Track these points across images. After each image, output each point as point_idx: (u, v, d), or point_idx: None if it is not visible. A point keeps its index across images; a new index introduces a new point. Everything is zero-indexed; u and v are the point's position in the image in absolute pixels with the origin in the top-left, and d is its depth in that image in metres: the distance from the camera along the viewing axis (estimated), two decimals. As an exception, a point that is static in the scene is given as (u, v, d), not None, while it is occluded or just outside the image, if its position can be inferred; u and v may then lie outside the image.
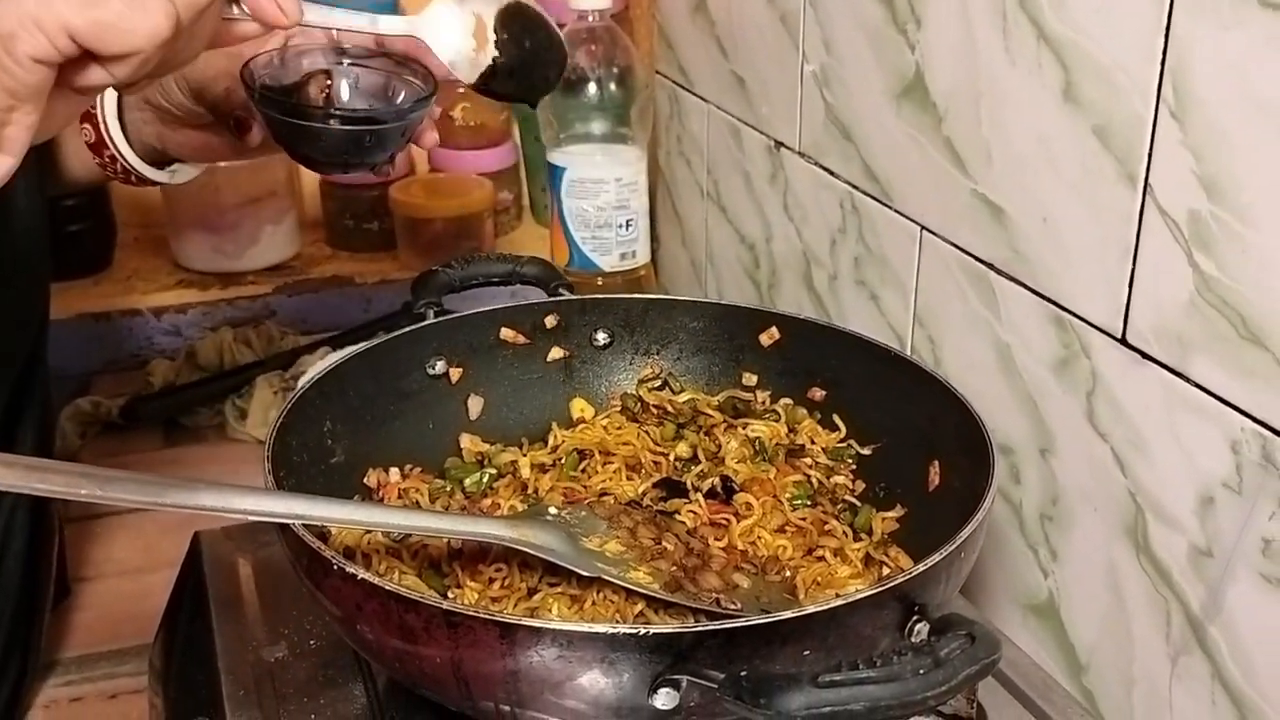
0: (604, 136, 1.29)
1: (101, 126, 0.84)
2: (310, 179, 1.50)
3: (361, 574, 0.58)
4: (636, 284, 1.33)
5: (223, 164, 1.34)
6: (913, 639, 0.59)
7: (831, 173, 1.06)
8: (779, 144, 1.15)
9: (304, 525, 0.62)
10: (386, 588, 0.58)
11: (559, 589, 0.69)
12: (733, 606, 0.67)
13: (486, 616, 0.56)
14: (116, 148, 0.84)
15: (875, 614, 0.58)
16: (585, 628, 0.55)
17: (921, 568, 0.59)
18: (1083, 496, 0.82)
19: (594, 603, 0.68)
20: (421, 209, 1.40)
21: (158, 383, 1.26)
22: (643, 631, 0.54)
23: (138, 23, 0.54)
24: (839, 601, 0.56)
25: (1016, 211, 0.84)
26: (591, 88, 1.27)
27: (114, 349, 1.34)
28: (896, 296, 0.99)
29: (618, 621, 0.67)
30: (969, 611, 0.82)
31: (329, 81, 0.77)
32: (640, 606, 0.68)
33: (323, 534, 0.69)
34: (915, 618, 0.59)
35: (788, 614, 0.55)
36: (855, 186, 1.03)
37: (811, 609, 0.56)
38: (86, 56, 0.55)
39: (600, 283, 1.30)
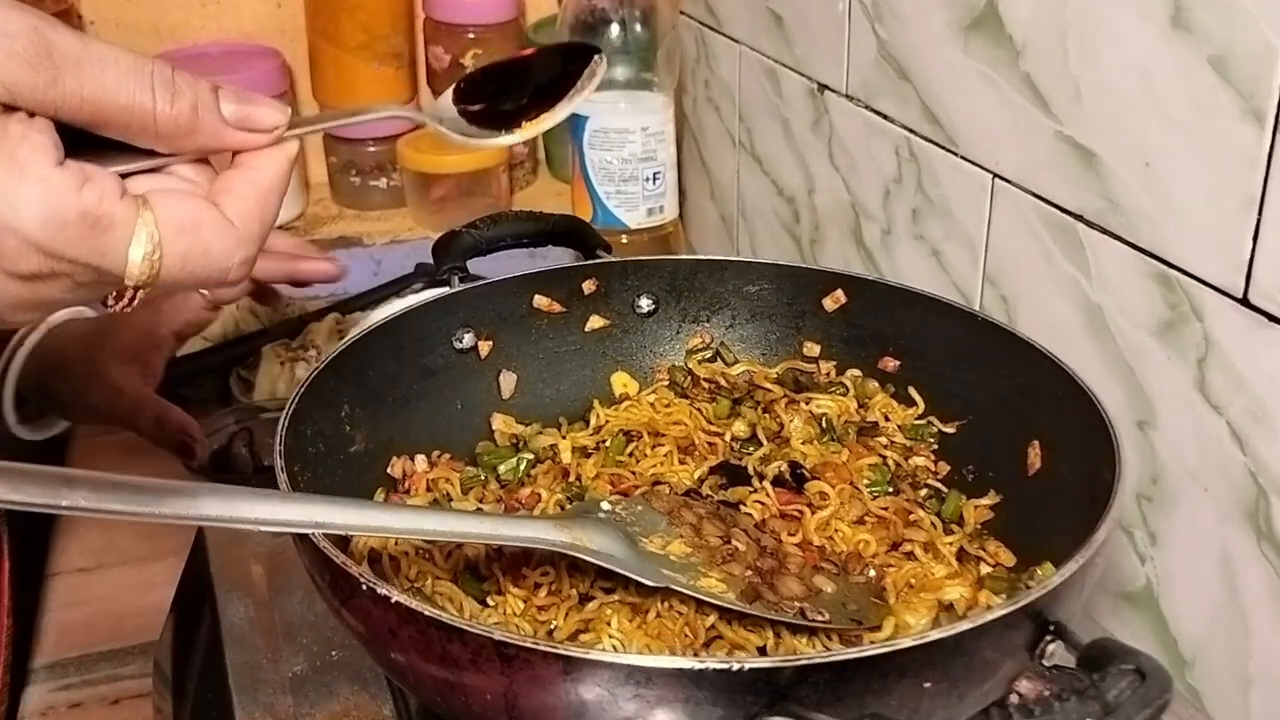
0: (628, 83, 1.17)
1: None
2: (313, 135, 1.38)
3: (396, 596, 0.48)
4: (664, 242, 1.22)
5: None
6: (1044, 661, 0.49)
7: (885, 116, 0.95)
8: (823, 86, 1.03)
9: (326, 535, 0.52)
10: (426, 613, 0.47)
11: (616, 596, 0.59)
12: (819, 618, 0.57)
13: (547, 649, 0.45)
14: None
15: (1006, 636, 0.48)
16: (666, 663, 0.44)
17: (1059, 578, 0.49)
18: (1189, 475, 0.71)
19: (659, 614, 0.57)
20: (431, 164, 1.28)
21: (158, 354, 1.15)
22: (735, 667, 0.44)
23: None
24: (966, 625, 0.46)
25: (1112, 156, 0.73)
26: (614, 29, 1.15)
27: (111, 318, 1.23)
28: (963, 252, 0.88)
29: (687, 637, 0.56)
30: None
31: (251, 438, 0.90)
32: (712, 619, 0.57)
33: (345, 538, 0.59)
34: (1049, 638, 0.49)
35: (906, 642, 0.45)
36: (913, 131, 0.92)
37: (935, 635, 0.45)
38: None
39: (625, 241, 1.19)
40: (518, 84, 0.58)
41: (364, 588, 0.49)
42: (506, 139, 0.57)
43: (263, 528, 0.51)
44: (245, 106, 0.49)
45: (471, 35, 1.33)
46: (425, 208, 1.30)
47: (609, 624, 0.57)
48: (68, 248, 0.46)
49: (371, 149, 1.34)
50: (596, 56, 0.58)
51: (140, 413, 0.87)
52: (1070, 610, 0.50)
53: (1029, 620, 0.48)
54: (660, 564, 0.58)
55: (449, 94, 0.58)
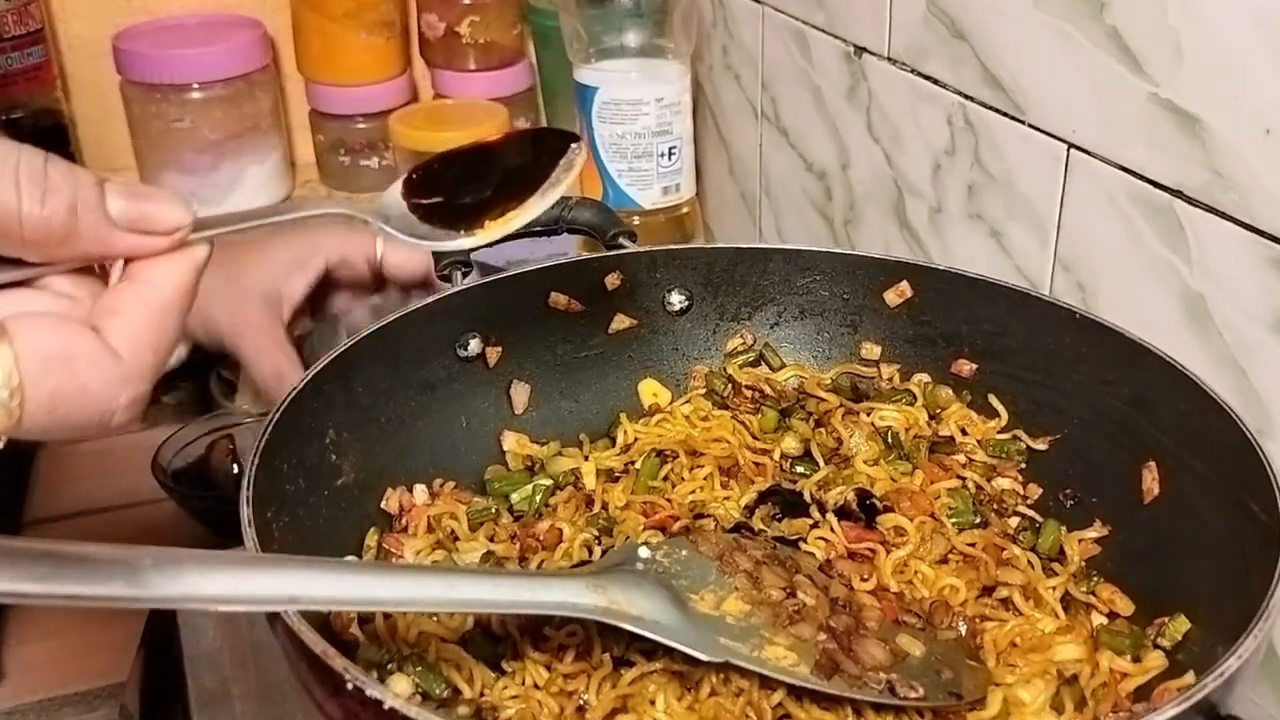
0: (640, 50, 1.05)
1: None
2: (298, 110, 1.26)
3: (390, 702, 0.37)
4: (680, 223, 1.10)
5: (199, 98, 1.13)
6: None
7: (935, 81, 0.83)
8: (860, 49, 0.91)
9: (301, 613, 0.40)
10: (427, 723, 0.36)
11: (659, 664, 0.47)
12: (913, 694, 0.45)
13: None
14: None
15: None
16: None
17: (1236, 659, 0.37)
18: (1315, 493, 0.60)
19: (713, 690, 0.46)
20: (426, 141, 1.16)
21: (129, 354, 1.03)
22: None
23: None
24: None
25: (1221, 122, 0.62)
26: (625, -9, 1.03)
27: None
28: (1029, 233, 0.77)
29: (750, 719, 0.45)
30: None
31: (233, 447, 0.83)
32: (779, 696, 0.46)
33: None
34: (1222, 736, 0.38)
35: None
36: (969, 97, 0.80)
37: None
38: None
39: (638, 222, 1.07)
40: (481, 174, 0.48)
41: (350, 686, 0.37)
42: (466, 241, 0.46)
43: (222, 608, 0.40)
44: (138, 203, 0.40)
45: (467, 2, 1.21)
46: (421, 189, 1.18)
47: (653, 703, 0.46)
48: None
49: (361, 126, 1.22)
50: (574, 145, 0.49)
51: (259, 360, 0.76)
52: (1242, 695, 0.39)
53: (1200, 717, 0.37)
54: (716, 629, 0.46)
55: (398, 186, 0.47)
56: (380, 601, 0.43)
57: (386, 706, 0.37)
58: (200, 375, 1.01)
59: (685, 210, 1.11)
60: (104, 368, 0.39)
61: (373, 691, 0.37)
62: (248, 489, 0.46)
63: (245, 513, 0.45)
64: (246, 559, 0.43)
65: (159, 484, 0.86)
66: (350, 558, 0.54)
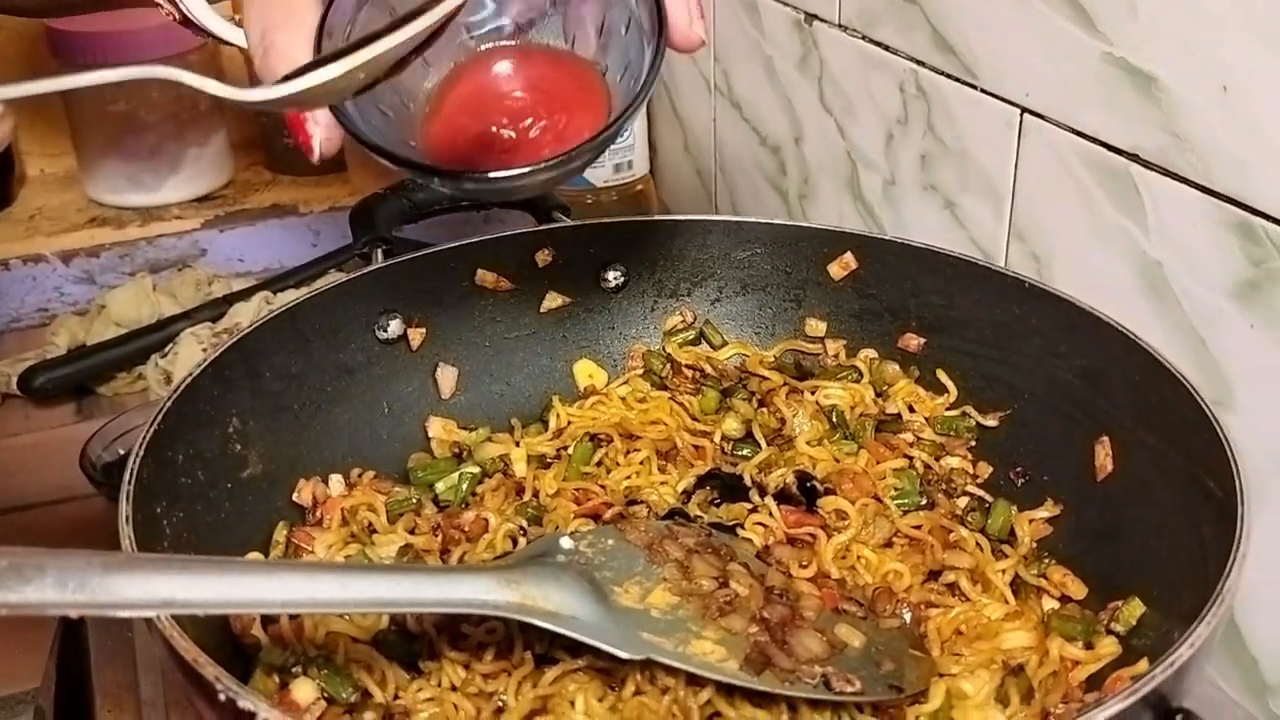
0: (588, 23, 1.01)
1: None
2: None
3: (264, 713, 0.33)
4: (634, 200, 1.07)
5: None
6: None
7: (886, 48, 0.79)
8: (811, 16, 0.87)
9: (175, 618, 0.37)
10: (306, 736, 0.32)
11: (583, 662, 0.44)
12: (849, 689, 0.42)
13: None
14: None
15: (1119, 736, 0.33)
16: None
17: (1187, 649, 0.34)
18: (1277, 465, 0.57)
19: (638, 689, 0.43)
20: (374, 120, 1.12)
21: (63, 343, 1.00)
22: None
23: None
24: (1070, 729, 0.32)
25: (1177, 80, 0.58)
26: (570, -37, 0.99)
27: (16, 303, 1.08)
28: (984, 203, 0.73)
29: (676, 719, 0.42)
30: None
31: None
32: (708, 694, 0.42)
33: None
34: (1174, 729, 0.35)
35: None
36: (921, 63, 0.76)
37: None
38: None
39: (590, 201, 1.04)
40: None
41: (222, 698, 0.34)
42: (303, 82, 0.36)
43: (85, 612, 0.36)
44: None
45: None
46: (369, 169, 1.14)
47: (573, 704, 0.42)
48: None
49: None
50: None
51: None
52: (1194, 685, 0.36)
53: (1149, 710, 0.34)
54: (639, 623, 0.43)
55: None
56: (266, 603, 0.39)
57: (260, 718, 0.33)
58: (137, 364, 0.97)
59: (639, 188, 1.07)
60: None
61: (245, 703, 0.33)
62: (128, 482, 0.42)
63: (123, 509, 0.41)
64: (119, 559, 0.38)
65: (88, 479, 0.82)
66: (252, 555, 0.50)
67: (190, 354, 0.96)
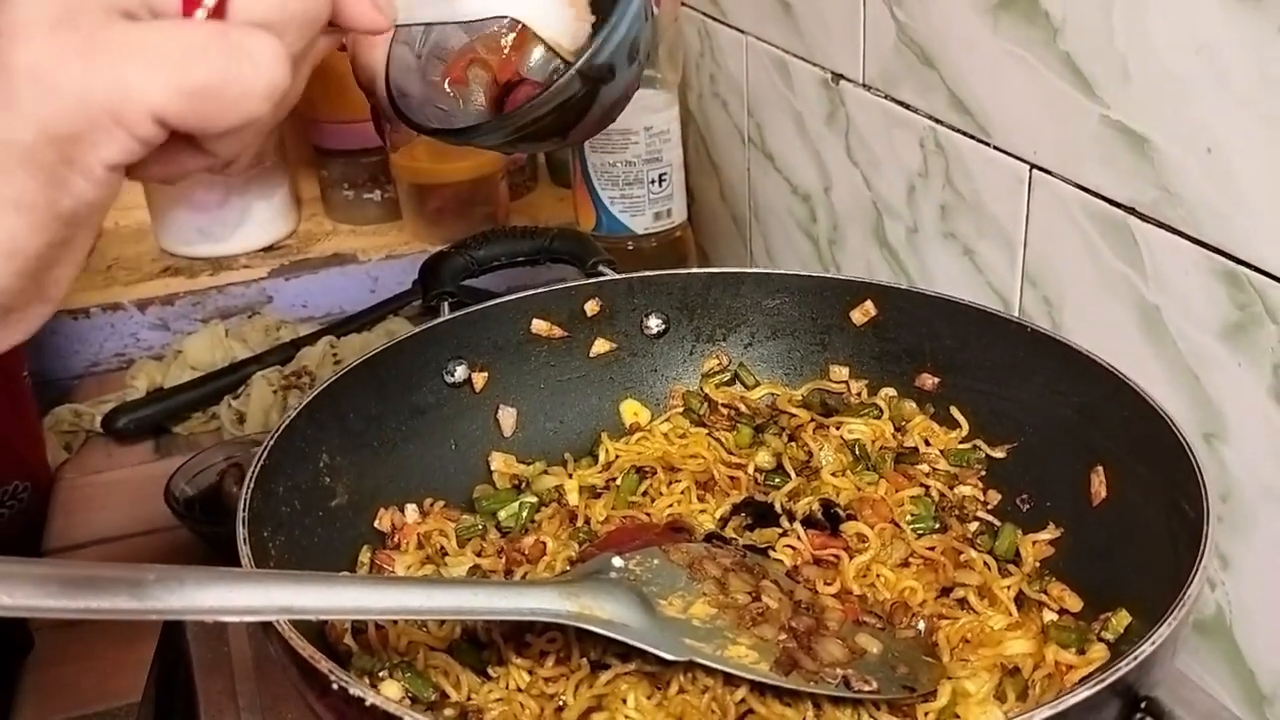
0: (629, 81, 1.09)
1: None
2: (302, 146, 1.31)
3: (371, 698, 0.41)
4: (674, 246, 1.14)
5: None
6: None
7: (907, 106, 0.87)
8: (838, 76, 0.95)
9: (293, 622, 0.44)
10: (406, 718, 0.40)
11: (633, 665, 0.51)
12: (866, 688, 0.49)
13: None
14: None
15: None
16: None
17: (1150, 645, 0.41)
18: (1265, 492, 0.63)
19: (681, 688, 0.50)
20: (427, 174, 1.21)
21: (142, 386, 1.08)
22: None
23: (249, 79, 0.37)
24: (1045, 712, 0.38)
25: (1167, 141, 0.65)
26: (611, 25, 1.08)
27: (95, 348, 1.17)
28: (999, 251, 0.80)
29: (715, 714, 0.49)
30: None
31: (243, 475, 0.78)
32: (743, 692, 0.49)
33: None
34: (1140, 715, 0.41)
35: (976, 736, 0.37)
36: (939, 121, 0.84)
37: (1009, 727, 0.38)
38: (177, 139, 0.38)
39: (632, 247, 1.11)
40: None
41: (335, 687, 0.41)
42: None
43: (219, 618, 0.44)
44: None
45: (464, 37, 1.25)
46: (422, 220, 1.23)
47: (625, 701, 0.50)
48: None
49: (364, 161, 1.27)
50: None
51: None
52: (1164, 675, 0.43)
53: (1117, 698, 0.41)
54: (682, 631, 0.50)
55: None
56: (366, 610, 0.47)
57: (368, 704, 0.41)
58: (212, 405, 1.05)
59: (678, 234, 1.15)
60: None
61: (355, 690, 0.41)
62: (243, 510, 0.50)
63: (240, 532, 0.49)
64: (241, 574, 0.47)
65: (172, 511, 0.90)
66: (342, 573, 0.58)
67: (261, 395, 1.04)
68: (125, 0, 0.37)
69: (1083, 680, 0.42)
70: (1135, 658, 0.40)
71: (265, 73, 0.37)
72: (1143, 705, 0.41)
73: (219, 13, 0.37)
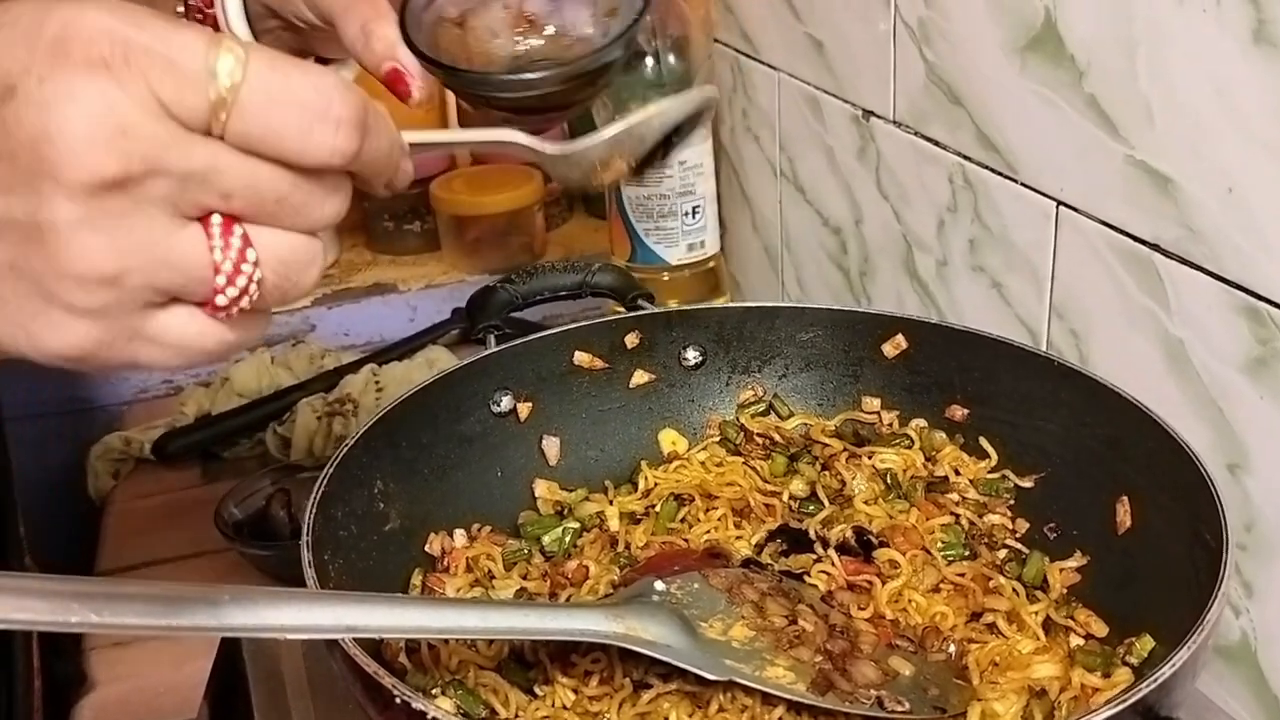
0: (663, 115, 1.12)
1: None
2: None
3: (433, 712, 0.43)
4: (707, 276, 1.17)
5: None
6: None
7: (936, 143, 0.90)
8: (868, 113, 0.98)
9: (356, 640, 0.47)
10: (467, 731, 0.43)
11: (674, 685, 0.54)
12: (899, 709, 0.51)
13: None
14: None
15: (1113, 739, 0.42)
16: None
17: (1170, 668, 0.43)
18: (1290, 523, 0.65)
19: (721, 707, 0.52)
20: (465, 205, 1.25)
21: (191, 413, 1.12)
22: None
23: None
24: (1068, 730, 0.41)
25: (1189, 180, 0.68)
26: (647, 62, 1.11)
27: (144, 377, 1.21)
28: (1026, 285, 0.83)
29: (754, 733, 0.52)
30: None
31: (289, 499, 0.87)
32: (780, 711, 0.52)
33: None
34: (1161, 735, 0.44)
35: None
36: (967, 157, 0.86)
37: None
38: None
39: (666, 278, 1.15)
40: None
41: (398, 701, 0.44)
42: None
43: (290, 635, 0.47)
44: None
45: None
46: (460, 250, 1.27)
47: (667, 719, 0.52)
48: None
49: (405, 192, 1.30)
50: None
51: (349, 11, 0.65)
52: (1182, 699, 0.45)
53: (1138, 718, 0.43)
54: (722, 652, 0.53)
55: None
56: (425, 629, 0.50)
57: (430, 717, 0.43)
58: (257, 431, 1.09)
59: (711, 265, 1.18)
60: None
61: (418, 705, 0.44)
62: (307, 535, 0.53)
63: (305, 555, 0.52)
64: (309, 594, 0.50)
65: (221, 534, 0.93)
66: (401, 594, 0.61)
67: (306, 422, 1.07)
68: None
69: (1106, 702, 0.44)
70: (1156, 679, 0.43)
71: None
72: (1164, 725, 0.43)
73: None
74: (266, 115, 0.37)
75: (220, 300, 0.39)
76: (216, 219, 0.38)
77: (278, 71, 0.37)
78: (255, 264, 0.39)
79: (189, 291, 0.39)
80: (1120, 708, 0.42)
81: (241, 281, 0.39)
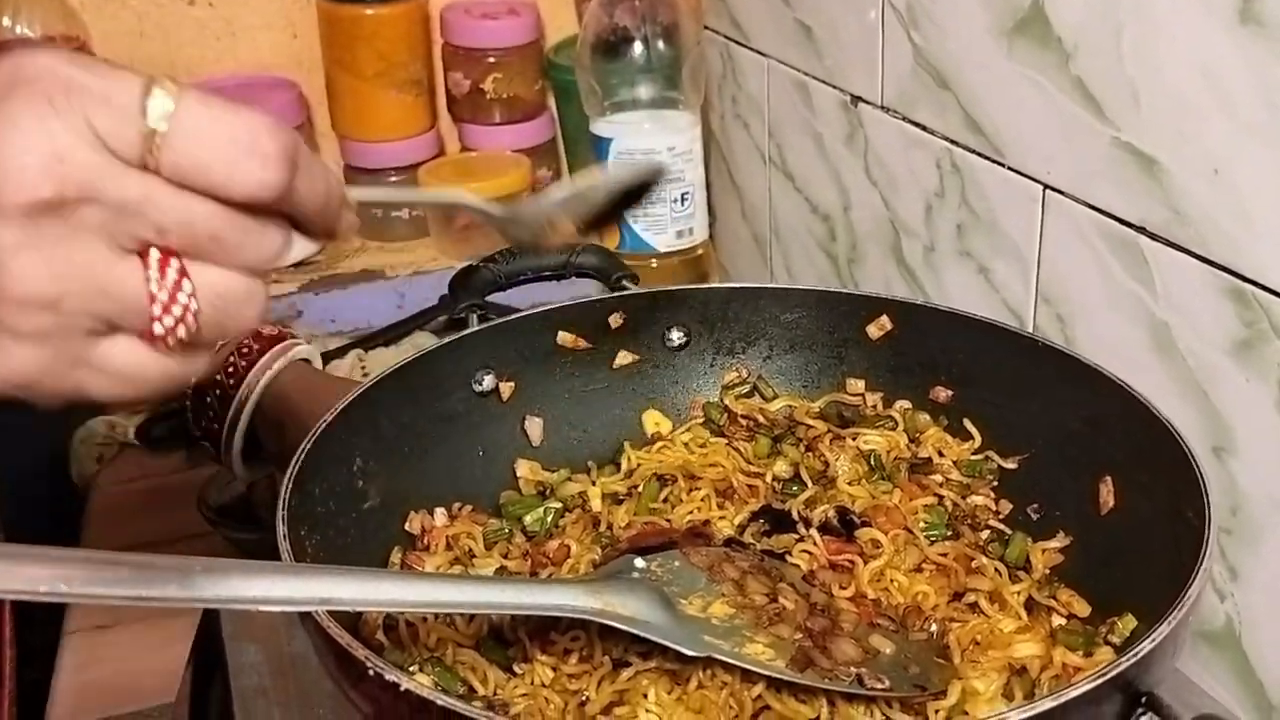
0: (652, 102, 1.12)
1: None
2: (332, 165, 1.34)
3: (405, 684, 0.43)
4: (695, 264, 1.17)
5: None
6: (1139, 741, 0.43)
7: (924, 128, 0.89)
8: (856, 99, 0.97)
9: (331, 614, 0.47)
10: (439, 703, 0.42)
11: (653, 663, 0.53)
12: (879, 685, 0.51)
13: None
14: None
15: (1091, 713, 0.42)
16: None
17: (1150, 642, 0.43)
18: (1275, 505, 0.65)
19: (700, 684, 0.52)
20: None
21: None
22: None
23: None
24: (1046, 704, 0.40)
25: (1175, 163, 0.67)
26: (636, 48, 1.11)
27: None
28: (1013, 269, 0.82)
29: (732, 709, 0.51)
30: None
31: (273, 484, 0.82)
32: (760, 688, 0.51)
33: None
34: (1140, 710, 0.43)
35: (979, 726, 0.39)
36: (955, 142, 0.86)
37: (1015, 716, 0.40)
38: None
39: (655, 265, 1.14)
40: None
41: (371, 673, 0.44)
42: None
43: (262, 608, 0.46)
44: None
45: (491, 59, 1.29)
46: (449, 237, 1.26)
47: (646, 696, 0.52)
48: None
49: (393, 179, 1.30)
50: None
51: None
52: (1165, 674, 0.45)
53: (1118, 693, 0.43)
54: (701, 629, 0.52)
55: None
56: (400, 603, 0.49)
57: (403, 689, 0.43)
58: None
59: (700, 252, 1.17)
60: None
61: (390, 676, 0.43)
62: (282, 508, 0.52)
63: (281, 529, 0.51)
64: (283, 567, 0.49)
65: (204, 519, 0.92)
66: (371, 568, 0.60)
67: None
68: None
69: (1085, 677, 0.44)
70: (1135, 654, 0.42)
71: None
72: (1143, 701, 0.43)
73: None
74: (196, 148, 0.39)
75: (157, 329, 0.40)
76: (155, 253, 0.39)
77: (208, 108, 0.39)
78: (191, 295, 0.40)
79: (126, 320, 0.40)
80: (1099, 682, 0.41)
81: (177, 311, 0.40)
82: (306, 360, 0.85)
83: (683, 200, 1.13)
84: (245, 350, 0.81)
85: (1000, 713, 0.40)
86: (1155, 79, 0.68)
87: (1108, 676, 0.41)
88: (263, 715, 0.64)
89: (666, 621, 0.51)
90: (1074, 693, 0.41)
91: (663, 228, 1.13)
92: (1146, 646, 0.43)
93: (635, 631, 0.50)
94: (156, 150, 0.38)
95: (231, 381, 0.80)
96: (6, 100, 0.37)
